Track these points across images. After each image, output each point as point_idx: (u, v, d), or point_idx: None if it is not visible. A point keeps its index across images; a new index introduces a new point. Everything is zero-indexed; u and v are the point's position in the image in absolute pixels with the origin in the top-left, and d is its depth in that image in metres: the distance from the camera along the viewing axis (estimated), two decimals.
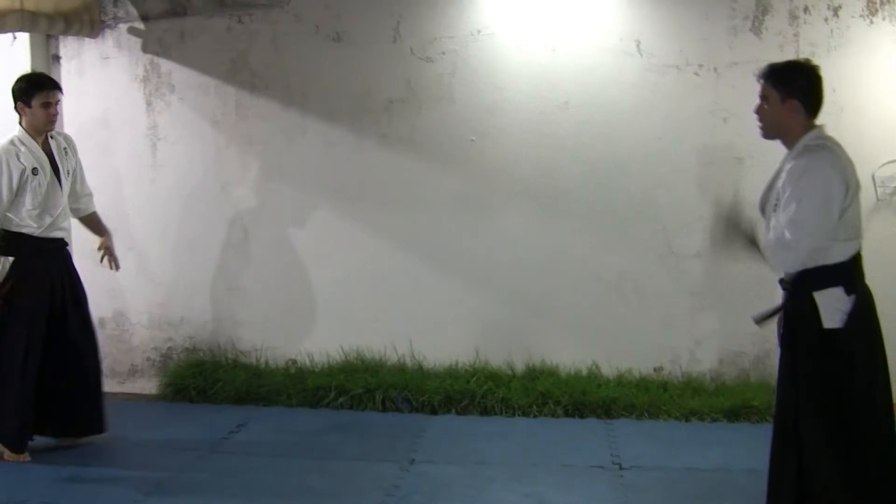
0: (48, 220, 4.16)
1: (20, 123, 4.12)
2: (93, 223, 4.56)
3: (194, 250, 5.29)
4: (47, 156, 4.16)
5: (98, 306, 5.35)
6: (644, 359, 5.10)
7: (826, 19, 4.90)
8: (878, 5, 4.86)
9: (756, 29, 4.93)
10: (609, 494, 3.82)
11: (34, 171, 4.09)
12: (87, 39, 5.30)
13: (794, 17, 4.91)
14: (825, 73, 4.56)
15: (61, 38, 5.33)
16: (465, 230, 5.18)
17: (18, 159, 4.06)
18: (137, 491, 3.84)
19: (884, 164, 4.88)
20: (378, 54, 5.14)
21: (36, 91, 4.06)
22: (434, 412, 4.93)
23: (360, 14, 5.13)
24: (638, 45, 4.97)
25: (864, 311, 2.87)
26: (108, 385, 5.34)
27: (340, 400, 4.96)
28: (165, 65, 5.29)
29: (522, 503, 3.73)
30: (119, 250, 5.22)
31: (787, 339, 2.96)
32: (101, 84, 5.36)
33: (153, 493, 3.84)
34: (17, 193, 4.05)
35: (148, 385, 5.43)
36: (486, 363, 5.17)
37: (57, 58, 5.41)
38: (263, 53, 5.15)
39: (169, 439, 4.55)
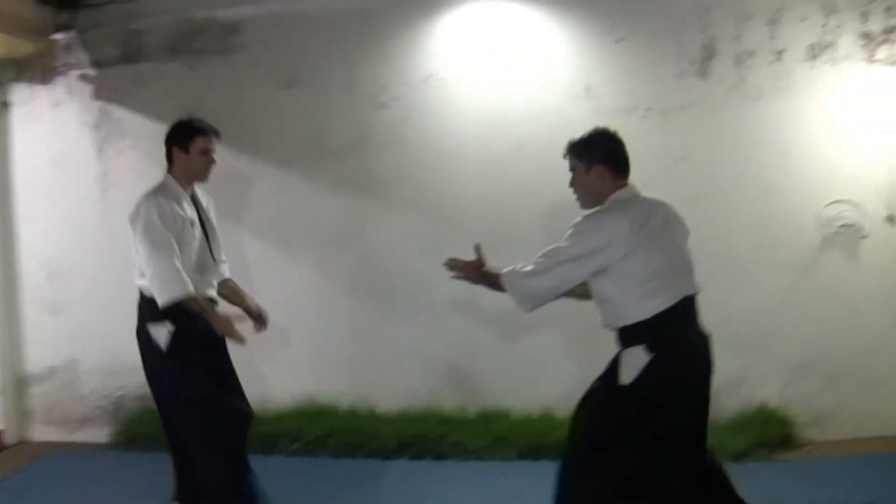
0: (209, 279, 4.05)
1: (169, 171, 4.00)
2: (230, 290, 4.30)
3: None
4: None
5: (47, 355, 5.76)
6: None
7: (770, 63, 5.40)
8: (819, 50, 5.37)
9: (702, 73, 5.42)
10: None
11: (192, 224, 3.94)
12: (38, 86, 5.68)
13: (739, 61, 5.41)
14: (770, 115, 5.20)
15: (13, 84, 5.71)
16: (418, 274, 5.56)
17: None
18: None
19: (828, 204, 5.36)
20: (331, 100, 5.55)
21: (196, 136, 3.95)
22: (388, 457, 5.25)
23: (313, 60, 5.56)
24: (587, 89, 5.46)
25: (661, 368, 3.10)
26: (59, 434, 5.75)
27: (294, 446, 5.27)
28: (118, 111, 5.67)
29: None
30: (70, 297, 5.65)
31: (599, 382, 3.36)
32: (53, 130, 5.71)
33: None
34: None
35: (99, 434, 5.72)
36: (439, 407, 5.53)
37: (5, 105, 5.78)
38: (217, 99, 5.51)
39: (123, 489, 4.76)
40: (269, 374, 5.59)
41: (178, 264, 3.73)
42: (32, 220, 5.81)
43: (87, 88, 5.71)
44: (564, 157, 3.38)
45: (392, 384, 5.62)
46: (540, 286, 3.23)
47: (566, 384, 5.38)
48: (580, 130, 5.34)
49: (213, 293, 4.03)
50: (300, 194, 5.62)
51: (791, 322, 5.37)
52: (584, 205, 3.38)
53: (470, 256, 3.59)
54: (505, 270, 3.32)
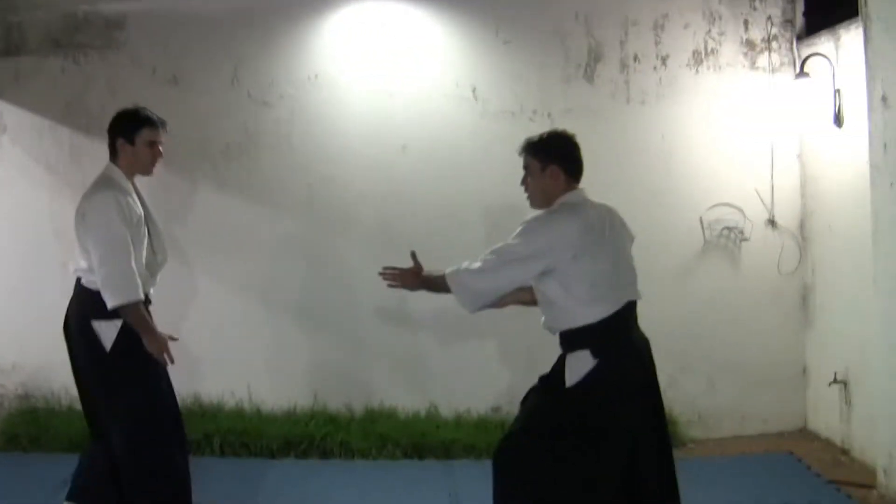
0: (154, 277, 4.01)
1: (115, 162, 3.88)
2: None
3: (26, 296, 5.61)
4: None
5: None
6: (482, 400, 5.69)
7: (655, 68, 5.65)
8: (703, 56, 5.63)
9: (588, 76, 5.64)
10: None
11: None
12: None
13: (624, 65, 5.64)
14: (655, 120, 5.42)
15: None
16: (304, 275, 5.71)
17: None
18: None
19: (711, 207, 5.65)
20: (216, 98, 5.63)
21: (143, 127, 3.85)
22: (273, 457, 5.37)
23: (197, 57, 5.63)
24: (474, 91, 5.63)
25: (607, 373, 3.18)
26: None
27: None
28: None
29: None
30: None
31: (543, 382, 3.42)
32: None
33: None
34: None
35: None
36: (325, 406, 5.68)
37: None
38: (100, 96, 5.54)
39: (3, 489, 4.71)
40: None
41: (134, 266, 3.70)
42: None
43: None
44: (520, 154, 3.39)
45: (277, 384, 5.75)
46: (486, 285, 3.26)
47: (451, 384, 5.64)
48: (466, 133, 5.63)
49: (152, 291, 4.01)
50: (182, 194, 5.68)
51: (673, 323, 5.58)
52: (534, 204, 3.41)
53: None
54: (449, 270, 3.33)
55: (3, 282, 5.71)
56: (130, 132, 3.82)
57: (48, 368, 5.51)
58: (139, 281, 3.72)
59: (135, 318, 3.76)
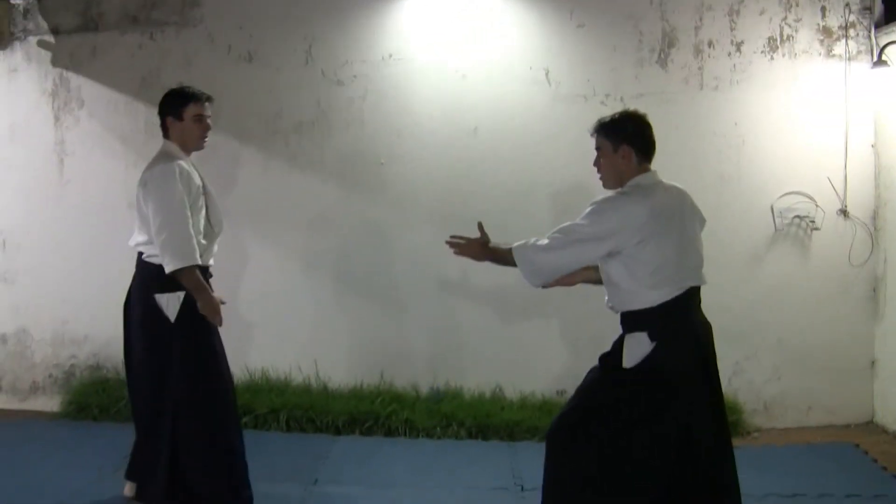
0: (211, 247, 4.10)
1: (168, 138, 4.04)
2: None
3: (100, 267, 5.72)
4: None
5: (0, 322, 5.93)
6: (547, 382, 5.74)
7: (729, 54, 5.63)
8: (778, 42, 5.60)
9: (662, 61, 5.65)
10: None
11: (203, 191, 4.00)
12: None
13: (698, 50, 5.63)
14: (727, 106, 5.41)
15: None
16: (372, 252, 5.77)
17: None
18: None
19: (782, 196, 5.63)
20: (289, 76, 5.71)
21: (189, 102, 4.00)
22: (338, 433, 5.45)
23: (272, 35, 5.71)
24: (547, 74, 5.66)
25: (663, 356, 3.19)
26: (9, 402, 5.89)
27: (245, 420, 5.34)
28: (75, 79, 5.78)
29: None
30: (23, 266, 5.80)
31: (602, 361, 3.44)
32: (9, 97, 5.82)
33: None
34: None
35: (50, 403, 5.89)
36: (391, 385, 5.76)
37: None
38: (175, 71, 5.63)
39: (70, 459, 4.84)
40: (224, 347, 5.70)
41: (192, 232, 3.82)
42: None
43: (45, 55, 5.80)
44: (592, 135, 3.40)
45: (344, 361, 5.83)
46: (552, 262, 3.28)
47: (517, 366, 5.67)
48: (537, 115, 5.65)
49: (212, 262, 4.11)
50: (255, 169, 5.78)
51: (742, 310, 5.61)
52: (607, 185, 3.41)
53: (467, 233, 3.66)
54: (517, 244, 3.35)
55: (77, 253, 5.83)
56: (177, 109, 3.97)
57: (119, 339, 5.36)
58: (197, 248, 3.84)
59: (191, 281, 3.88)
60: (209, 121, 4.04)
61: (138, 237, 4.00)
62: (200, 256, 3.88)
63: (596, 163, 3.44)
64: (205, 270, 4.01)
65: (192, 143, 4.02)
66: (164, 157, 3.94)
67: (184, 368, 3.91)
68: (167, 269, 3.82)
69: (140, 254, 4.00)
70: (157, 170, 3.87)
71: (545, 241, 3.30)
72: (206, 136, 4.04)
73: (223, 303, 4.04)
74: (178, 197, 3.80)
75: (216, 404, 3.97)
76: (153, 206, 3.82)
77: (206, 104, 4.02)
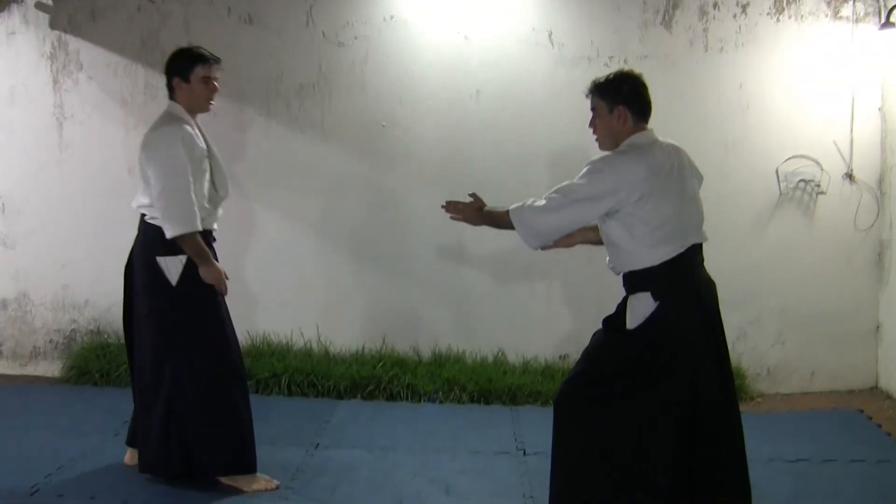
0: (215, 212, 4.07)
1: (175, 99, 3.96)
2: None
3: (100, 232, 5.73)
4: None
5: (0, 286, 5.93)
6: (550, 347, 5.74)
7: (735, 16, 5.58)
8: (784, 4, 5.54)
9: (666, 23, 5.59)
10: (513, 479, 4.21)
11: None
12: None
13: (703, 12, 5.58)
14: (732, 69, 5.37)
15: None
16: (373, 216, 5.75)
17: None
18: (40, 473, 4.12)
19: (787, 159, 5.59)
20: (290, 37, 5.66)
21: (196, 64, 3.92)
22: (340, 397, 5.47)
23: None
24: (550, 36, 5.60)
25: (667, 316, 3.18)
26: (10, 367, 5.91)
27: None
28: (74, 42, 5.74)
29: (427, 489, 4.08)
30: (23, 231, 5.79)
31: (605, 324, 3.41)
32: (7, 61, 5.78)
33: (53, 476, 4.11)
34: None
35: (51, 368, 5.91)
36: (393, 349, 5.77)
37: None
38: (174, 34, 5.58)
39: (71, 424, 4.84)
40: None
41: (194, 198, 3.77)
42: None
43: (43, 18, 5.76)
44: (587, 95, 3.37)
45: (346, 325, 5.83)
46: (550, 223, 3.25)
47: (520, 331, 5.66)
48: (540, 78, 5.62)
49: (216, 226, 4.06)
50: (256, 133, 5.75)
51: (746, 275, 5.60)
52: (603, 146, 3.37)
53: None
54: (513, 206, 3.32)
55: (78, 217, 5.82)
56: (184, 70, 3.89)
57: (120, 304, 5.39)
58: (198, 212, 3.79)
59: (193, 248, 3.85)
60: (216, 83, 3.96)
61: (141, 199, 3.96)
62: (203, 221, 3.84)
63: (591, 123, 3.42)
64: (208, 234, 3.98)
65: (198, 106, 3.95)
66: (167, 119, 3.87)
67: (185, 333, 3.90)
68: (168, 235, 3.80)
69: (143, 215, 3.99)
70: (160, 132, 3.82)
71: (542, 202, 3.27)
72: (212, 99, 3.96)
73: (227, 278, 4.01)
74: (180, 161, 3.74)
75: (218, 371, 3.93)
76: (154, 170, 3.78)
77: (214, 66, 3.94)
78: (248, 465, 4.05)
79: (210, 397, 3.96)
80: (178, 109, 3.91)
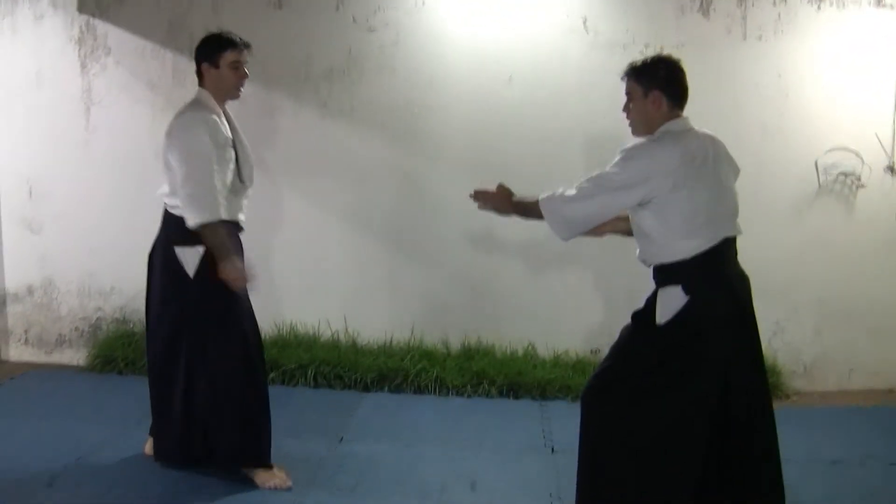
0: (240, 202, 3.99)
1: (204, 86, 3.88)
2: None
3: (127, 218, 5.67)
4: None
5: (26, 274, 5.88)
6: (581, 340, 5.64)
7: (774, 3, 5.44)
8: None
9: (704, 10, 5.47)
10: (540, 476, 4.14)
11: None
12: None
13: None
14: (771, 57, 5.24)
15: None
16: (404, 204, 5.67)
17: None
18: (60, 461, 4.12)
19: (827, 151, 5.45)
20: (320, 22, 5.58)
21: (226, 49, 3.85)
22: (367, 389, 5.40)
23: None
24: (584, 22, 5.49)
25: (698, 310, 3.09)
26: (36, 355, 5.89)
27: (272, 375, 5.35)
28: (101, 26, 5.69)
29: (452, 484, 4.02)
30: (50, 216, 5.76)
31: (635, 318, 3.32)
32: (35, 44, 5.74)
33: (79, 461, 4.13)
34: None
35: (76, 356, 5.89)
36: (422, 341, 5.68)
37: None
38: (202, 17, 5.53)
39: (94, 412, 4.84)
40: (251, 300, 5.64)
41: (219, 186, 3.70)
42: (12, 136, 5.85)
43: (71, 1, 5.72)
44: (622, 79, 3.28)
45: (374, 316, 5.76)
46: (581, 212, 3.17)
47: (550, 323, 5.57)
48: (574, 65, 5.51)
49: (242, 217, 3.99)
50: (285, 117, 5.68)
51: (782, 269, 5.47)
52: (636, 132, 3.29)
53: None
54: (543, 196, 3.24)
55: (104, 203, 5.79)
56: (213, 55, 3.82)
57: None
58: (222, 201, 3.71)
59: (213, 239, 3.75)
60: (246, 68, 3.89)
61: (164, 187, 3.91)
62: (228, 211, 3.77)
63: (625, 108, 3.31)
64: (235, 225, 3.91)
65: (227, 92, 3.87)
66: (194, 105, 3.80)
67: (200, 326, 3.84)
68: (189, 224, 3.71)
69: (166, 204, 3.92)
70: (184, 119, 3.74)
71: (573, 191, 3.18)
72: (241, 85, 3.89)
73: (251, 276, 3.90)
74: (204, 148, 3.66)
75: (233, 363, 3.86)
76: (177, 157, 3.71)
77: (244, 51, 3.87)
78: (260, 458, 3.99)
79: (223, 390, 3.89)
80: (206, 96, 3.84)
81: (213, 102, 3.82)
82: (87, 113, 5.78)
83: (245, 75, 3.89)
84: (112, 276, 5.85)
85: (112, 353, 5.67)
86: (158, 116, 5.59)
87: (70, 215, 5.84)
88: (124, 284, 5.80)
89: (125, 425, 4.64)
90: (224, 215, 3.74)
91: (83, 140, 5.79)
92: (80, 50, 5.76)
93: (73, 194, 5.83)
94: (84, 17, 5.73)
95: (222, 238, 3.77)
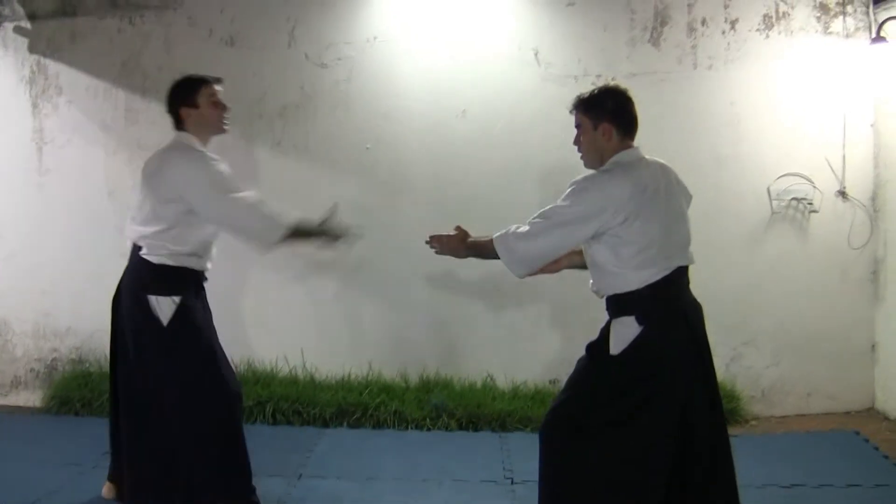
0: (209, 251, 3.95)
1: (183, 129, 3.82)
2: None
3: (81, 258, 5.65)
4: None
5: None
6: (540, 370, 5.64)
7: (723, 32, 5.51)
8: (773, 20, 5.48)
9: (654, 40, 5.53)
10: None
11: None
12: None
13: (692, 29, 5.51)
14: (722, 86, 5.29)
15: None
16: (360, 241, 5.68)
17: None
18: None
19: (779, 177, 5.51)
20: (272, 59, 5.60)
21: (201, 87, 3.81)
22: (326, 425, 5.37)
23: (254, 18, 5.60)
24: (536, 55, 5.54)
25: (652, 341, 3.10)
26: None
27: None
28: (53, 66, 5.68)
29: None
30: (2, 256, 5.71)
31: (589, 350, 3.33)
32: None
33: None
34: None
35: (32, 397, 5.82)
36: (380, 375, 5.67)
37: None
38: (155, 56, 5.55)
39: (49, 455, 4.79)
40: None
41: (261, 198, 3.69)
42: None
43: (21, 42, 5.71)
44: (571, 112, 3.31)
45: (332, 351, 5.74)
46: (535, 249, 3.17)
47: (509, 354, 5.57)
48: (527, 97, 5.54)
49: (209, 265, 3.97)
50: (239, 155, 5.58)
51: (738, 296, 5.52)
52: (588, 164, 3.30)
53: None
54: (496, 235, 3.24)
55: (59, 244, 5.75)
56: (190, 96, 3.78)
57: (102, 332, 5.30)
58: (271, 208, 3.70)
59: (295, 242, 3.85)
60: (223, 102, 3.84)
61: (140, 228, 3.75)
62: (199, 261, 3.80)
63: (576, 141, 3.35)
64: (200, 275, 3.90)
65: (212, 128, 3.84)
66: (180, 145, 3.75)
67: (179, 374, 3.77)
68: (269, 245, 3.75)
69: (138, 248, 3.78)
70: (181, 154, 3.69)
71: (526, 228, 3.19)
72: (224, 118, 3.86)
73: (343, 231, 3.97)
74: (227, 177, 3.67)
75: (212, 408, 3.81)
76: (195, 194, 3.62)
77: (217, 86, 3.84)
78: (244, 496, 3.95)
79: (204, 434, 3.83)
80: (186, 137, 3.78)
81: (196, 143, 3.78)
82: (40, 153, 5.75)
83: (226, 108, 3.86)
84: (68, 316, 5.80)
85: (68, 393, 5.60)
86: (111, 157, 5.60)
87: (24, 256, 5.79)
88: (80, 325, 5.76)
89: (81, 469, 4.59)
90: (283, 225, 3.73)
91: (36, 181, 5.76)
92: (31, 90, 5.74)
93: (27, 235, 5.78)
94: (35, 57, 5.72)
95: (299, 236, 3.82)
